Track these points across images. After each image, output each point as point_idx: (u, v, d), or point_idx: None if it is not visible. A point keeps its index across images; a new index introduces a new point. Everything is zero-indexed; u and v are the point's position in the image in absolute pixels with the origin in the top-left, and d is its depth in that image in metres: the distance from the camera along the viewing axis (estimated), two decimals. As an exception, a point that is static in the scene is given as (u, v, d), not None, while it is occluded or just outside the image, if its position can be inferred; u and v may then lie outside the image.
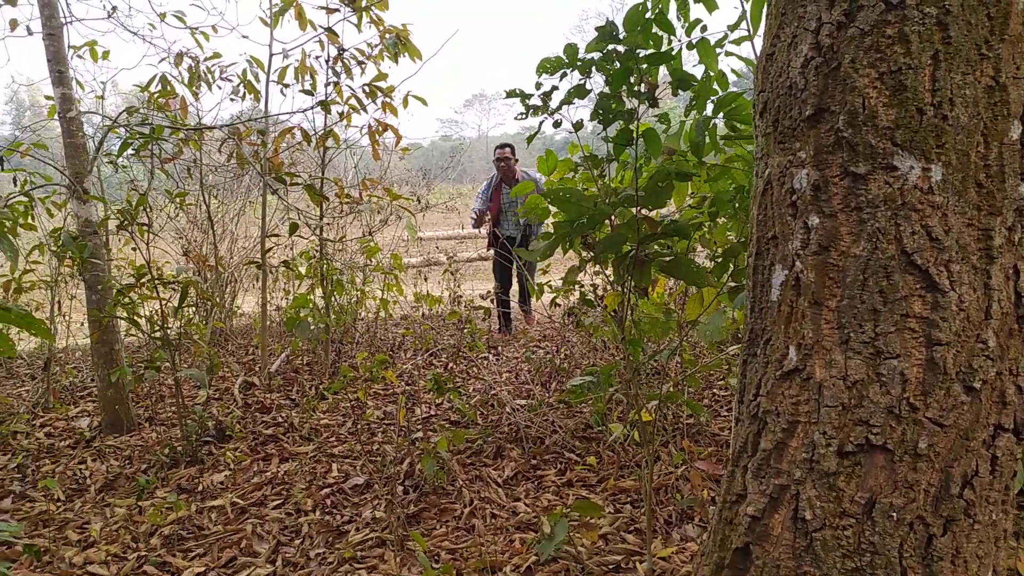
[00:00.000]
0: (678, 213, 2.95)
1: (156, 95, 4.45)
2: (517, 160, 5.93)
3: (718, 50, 2.63)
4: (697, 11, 2.74)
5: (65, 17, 3.80)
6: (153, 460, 3.08)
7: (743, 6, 2.58)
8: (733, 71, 2.67)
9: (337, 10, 4.29)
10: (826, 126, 1.00)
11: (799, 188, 1.04)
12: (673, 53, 1.92)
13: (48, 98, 3.90)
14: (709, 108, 2.49)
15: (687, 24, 2.61)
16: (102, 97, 4.52)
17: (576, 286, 3.29)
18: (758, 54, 1.19)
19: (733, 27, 2.68)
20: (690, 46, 2.56)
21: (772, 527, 1.07)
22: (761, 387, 1.11)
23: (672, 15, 2.42)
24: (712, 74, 2.53)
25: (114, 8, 4.48)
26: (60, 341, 5.01)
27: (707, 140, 2.42)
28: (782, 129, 1.07)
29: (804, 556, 1.02)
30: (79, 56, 4.38)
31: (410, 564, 2.23)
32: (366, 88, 4.66)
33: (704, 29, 2.54)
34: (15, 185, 3.60)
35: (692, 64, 2.30)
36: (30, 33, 4.39)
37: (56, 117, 3.73)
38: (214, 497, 2.75)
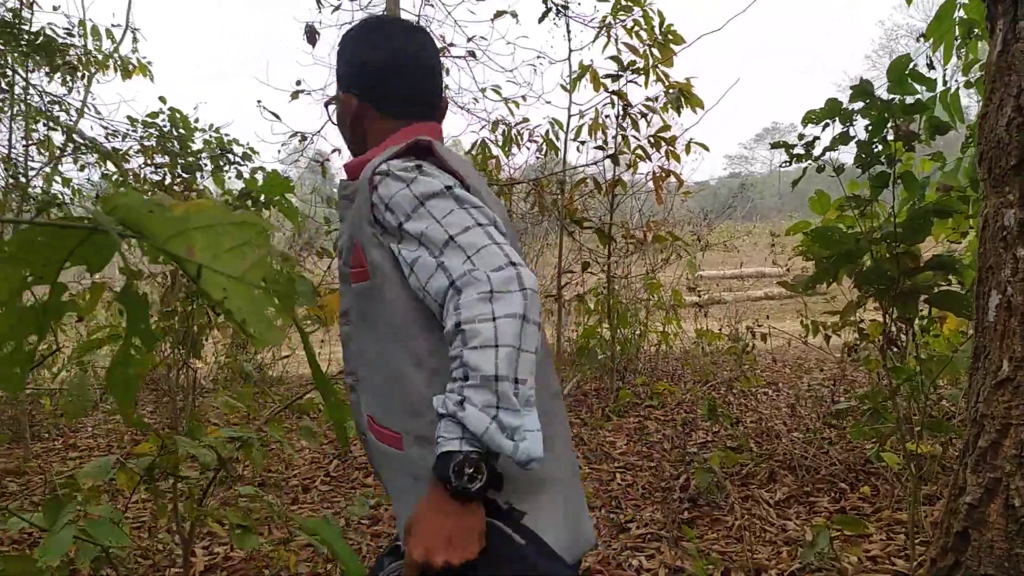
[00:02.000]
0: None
1: (477, 156, 5.39)
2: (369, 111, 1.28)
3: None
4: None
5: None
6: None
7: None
8: None
9: (621, 76, 4.83)
10: (1030, 173, 1.20)
11: (1009, 225, 1.24)
12: (927, 102, 2.06)
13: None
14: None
15: (964, 63, 2.66)
16: (437, 162, 5.58)
17: (855, 320, 3.35)
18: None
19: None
20: (968, 84, 2.61)
21: (988, 514, 1.25)
22: (980, 395, 1.30)
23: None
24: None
25: (446, 87, 5.52)
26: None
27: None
28: (994, 176, 1.27)
29: (1016, 539, 1.20)
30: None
31: (682, 557, 2.55)
32: (651, 139, 5.14)
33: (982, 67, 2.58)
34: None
35: (975, 99, 2.37)
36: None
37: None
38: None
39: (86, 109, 3.89)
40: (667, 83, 5.04)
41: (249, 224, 0.43)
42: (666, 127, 5.17)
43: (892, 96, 2.18)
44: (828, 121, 2.30)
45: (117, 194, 0.44)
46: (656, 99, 5.14)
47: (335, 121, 1.34)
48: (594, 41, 5.08)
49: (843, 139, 2.32)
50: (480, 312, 0.93)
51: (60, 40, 3.34)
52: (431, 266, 1.01)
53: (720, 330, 6.39)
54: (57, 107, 3.82)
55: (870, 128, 2.14)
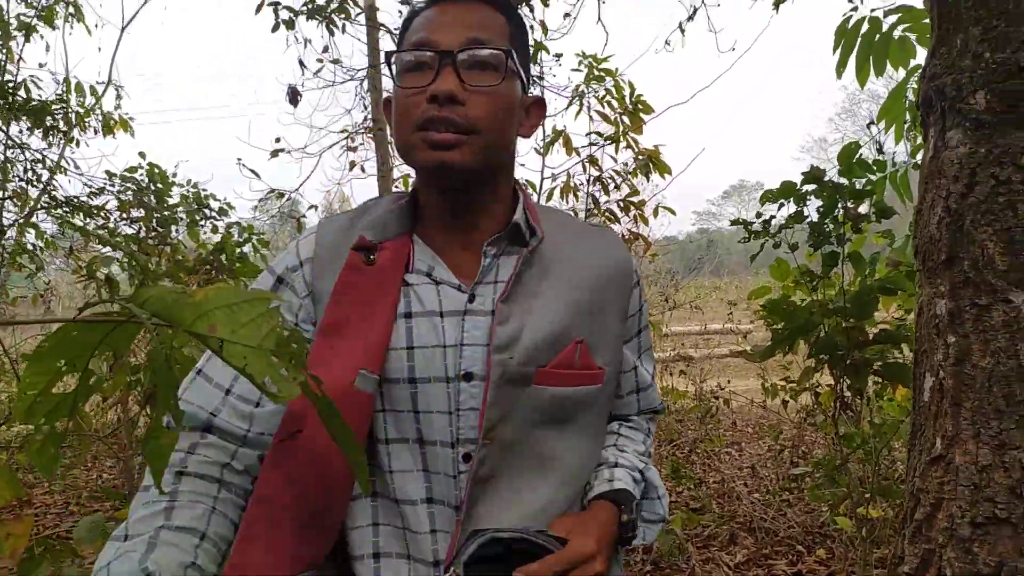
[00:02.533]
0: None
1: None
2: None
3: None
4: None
5: (393, 161, 4.96)
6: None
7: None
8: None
9: (595, 144, 5.03)
10: (957, 268, 1.33)
11: (940, 314, 1.36)
12: (877, 182, 2.22)
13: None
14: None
15: (913, 147, 2.85)
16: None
17: (810, 386, 3.47)
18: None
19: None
20: (916, 166, 2.80)
21: (924, 583, 1.33)
22: (916, 470, 1.40)
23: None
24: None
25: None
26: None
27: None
28: (928, 268, 1.40)
29: (948, 608, 1.28)
30: (396, 187, 5.59)
31: (644, 620, 2.58)
32: (620, 203, 5.32)
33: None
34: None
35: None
36: (364, 172, 5.73)
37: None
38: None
39: (64, 163, 3.92)
40: (637, 150, 5.25)
41: (261, 299, 0.50)
42: (635, 192, 5.35)
43: (843, 180, 2.34)
44: (783, 202, 2.46)
45: (146, 288, 0.50)
46: (627, 165, 5.34)
47: (488, 113, 0.91)
48: (567, 108, 5.28)
49: (797, 218, 2.47)
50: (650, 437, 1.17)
51: (50, 102, 3.40)
52: (647, 380, 1.13)
53: (686, 388, 6.50)
54: (40, 164, 3.86)
55: (821, 210, 2.29)
